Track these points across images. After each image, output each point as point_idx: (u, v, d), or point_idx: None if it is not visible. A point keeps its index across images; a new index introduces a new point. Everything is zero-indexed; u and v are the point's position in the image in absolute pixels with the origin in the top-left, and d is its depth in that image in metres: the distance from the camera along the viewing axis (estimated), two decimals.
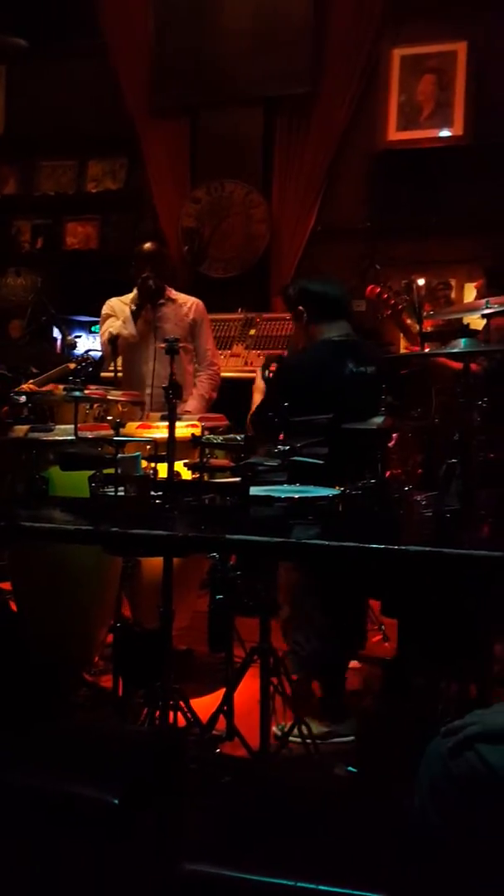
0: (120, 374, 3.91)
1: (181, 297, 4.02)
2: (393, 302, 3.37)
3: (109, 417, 3.06)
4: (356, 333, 2.99)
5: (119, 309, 3.96)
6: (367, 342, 3.05)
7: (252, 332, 5.06)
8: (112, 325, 3.87)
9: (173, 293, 4.00)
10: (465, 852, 1.39)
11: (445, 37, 5.09)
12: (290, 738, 2.53)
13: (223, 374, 4.37)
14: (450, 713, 1.93)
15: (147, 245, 3.94)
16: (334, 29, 5.23)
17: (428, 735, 1.53)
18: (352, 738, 2.71)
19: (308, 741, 2.50)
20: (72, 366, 3.59)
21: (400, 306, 3.38)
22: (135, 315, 3.88)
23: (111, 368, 3.83)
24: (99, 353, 4.07)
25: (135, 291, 3.94)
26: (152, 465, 2.35)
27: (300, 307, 2.96)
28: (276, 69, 5.31)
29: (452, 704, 2.12)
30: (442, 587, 1.89)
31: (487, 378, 2.66)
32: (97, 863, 1.57)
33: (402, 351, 4.58)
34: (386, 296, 3.37)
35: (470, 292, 5.03)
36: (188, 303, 4.00)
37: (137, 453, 2.34)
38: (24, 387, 3.39)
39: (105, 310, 4.02)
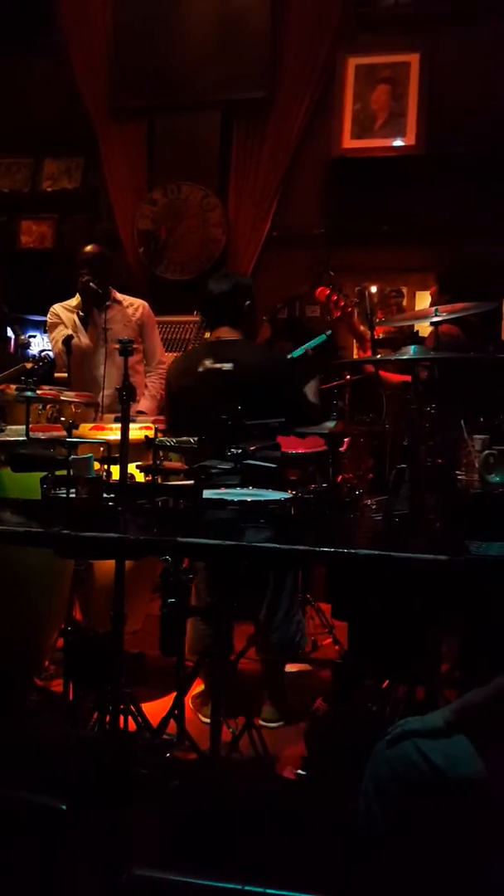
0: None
1: (127, 299, 4.01)
2: (342, 304, 3.38)
3: (62, 418, 3.03)
4: (245, 335, 3.06)
5: (65, 316, 3.93)
6: (246, 342, 3.07)
7: (207, 334, 5.05)
8: (60, 333, 3.83)
9: (118, 295, 3.99)
10: (410, 852, 1.41)
11: (399, 48, 5.18)
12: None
13: None
14: (398, 715, 1.96)
15: (87, 248, 3.90)
16: (291, 36, 5.28)
17: (376, 737, 1.55)
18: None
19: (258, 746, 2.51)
20: (29, 365, 3.55)
21: (349, 309, 3.40)
22: (84, 322, 3.85)
23: (65, 371, 3.80)
24: (50, 351, 4.03)
25: (78, 296, 3.92)
26: (105, 466, 2.33)
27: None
28: (234, 74, 5.34)
29: (400, 706, 2.15)
30: (391, 590, 1.92)
31: (428, 386, 2.70)
32: (44, 869, 1.56)
33: (355, 356, 4.62)
34: (335, 298, 3.38)
35: (423, 299, 5.11)
36: (134, 304, 4.00)
37: (90, 455, 2.33)
38: None
39: (50, 318, 3.98)
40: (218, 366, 2.88)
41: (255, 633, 2.99)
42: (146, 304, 4.05)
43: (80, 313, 3.86)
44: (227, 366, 2.87)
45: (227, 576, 2.45)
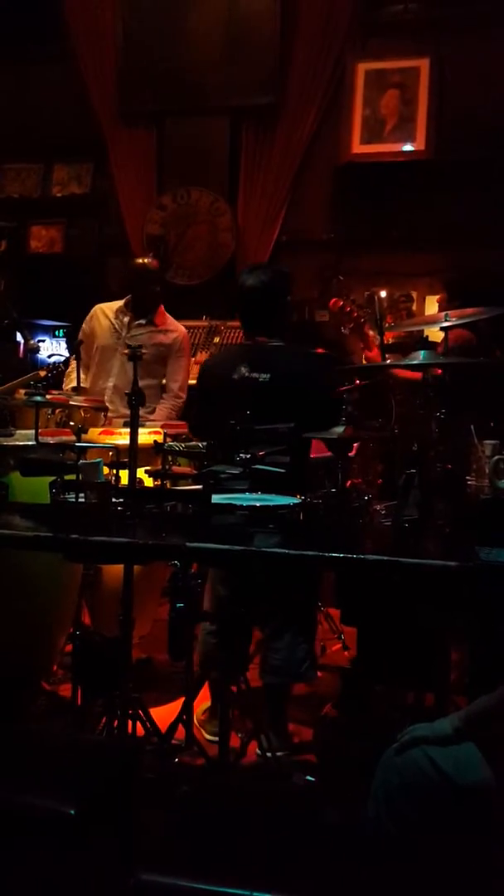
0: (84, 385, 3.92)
1: (168, 324, 3.96)
2: (356, 315, 3.38)
3: (71, 423, 3.04)
4: (282, 338, 2.87)
5: (100, 321, 3.93)
6: (287, 349, 2.87)
7: (216, 339, 5.07)
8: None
9: (160, 318, 3.93)
10: (419, 858, 1.40)
11: (409, 53, 5.18)
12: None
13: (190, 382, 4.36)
14: (407, 722, 1.95)
15: (148, 261, 3.91)
16: (301, 41, 5.29)
17: (385, 744, 1.55)
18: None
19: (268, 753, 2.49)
20: (42, 373, 3.56)
21: (363, 319, 3.40)
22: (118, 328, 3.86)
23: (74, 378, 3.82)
24: (62, 358, 4.05)
25: (123, 301, 3.93)
26: (114, 471, 2.34)
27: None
28: (243, 79, 5.35)
29: (409, 713, 2.15)
30: (400, 596, 1.91)
31: (441, 390, 2.69)
32: (53, 874, 1.56)
33: (364, 362, 4.61)
34: (349, 309, 3.37)
35: (432, 304, 5.10)
36: (171, 332, 3.94)
37: (99, 459, 2.33)
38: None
39: (89, 318, 3.99)
40: (255, 375, 2.71)
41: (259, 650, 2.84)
42: (184, 334, 3.97)
43: (125, 318, 3.87)
44: (265, 376, 2.70)
45: (239, 583, 2.44)
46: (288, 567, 1.86)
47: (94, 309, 4.02)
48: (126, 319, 3.92)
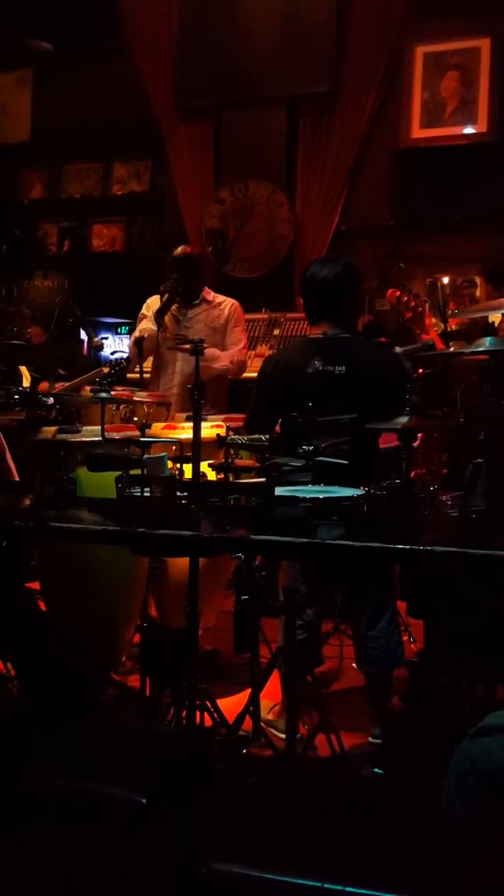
0: (146, 376, 3.96)
1: (218, 298, 4.01)
2: (413, 304, 3.33)
3: (135, 418, 3.09)
4: (350, 331, 2.83)
5: (154, 307, 3.99)
6: (358, 341, 2.85)
7: (276, 332, 5.06)
8: (141, 329, 3.91)
9: (210, 294, 3.99)
10: (494, 850, 1.38)
11: (468, 33, 5.07)
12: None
13: (248, 375, 4.37)
14: (476, 714, 1.92)
15: (177, 250, 3.97)
16: (357, 27, 5.23)
17: (454, 736, 1.52)
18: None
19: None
20: (105, 369, 3.62)
21: (420, 308, 3.34)
22: (160, 312, 3.88)
23: (136, 370, 3.86)
24: (125, 355, 4.10)
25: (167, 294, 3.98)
26: (178, 465, 2.36)
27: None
28: (299, 69, 5.32)
29: (479, 705, 2.11)
30: (468, 587, 1.88)
31: None
32: (124, 862, 1.59)
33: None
34: (406, 299, 3.33)
35: None
36: (223, 303, 4.00)
37: (163, 454, 2.35)
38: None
39: (143, 309, 4.05)
40: (330, 367, 2.66)
41: (353, 643, 2.85)
42: (236, 303, 4.02)
43: (156, 315, 3.91)
44: (340, 368, 2.65)
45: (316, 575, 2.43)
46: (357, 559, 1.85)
47: (146, 304, 4.06)
48: (175, 306, 3.95)
